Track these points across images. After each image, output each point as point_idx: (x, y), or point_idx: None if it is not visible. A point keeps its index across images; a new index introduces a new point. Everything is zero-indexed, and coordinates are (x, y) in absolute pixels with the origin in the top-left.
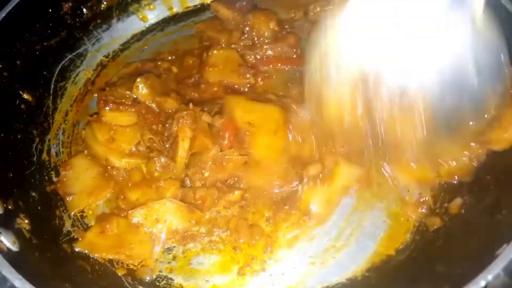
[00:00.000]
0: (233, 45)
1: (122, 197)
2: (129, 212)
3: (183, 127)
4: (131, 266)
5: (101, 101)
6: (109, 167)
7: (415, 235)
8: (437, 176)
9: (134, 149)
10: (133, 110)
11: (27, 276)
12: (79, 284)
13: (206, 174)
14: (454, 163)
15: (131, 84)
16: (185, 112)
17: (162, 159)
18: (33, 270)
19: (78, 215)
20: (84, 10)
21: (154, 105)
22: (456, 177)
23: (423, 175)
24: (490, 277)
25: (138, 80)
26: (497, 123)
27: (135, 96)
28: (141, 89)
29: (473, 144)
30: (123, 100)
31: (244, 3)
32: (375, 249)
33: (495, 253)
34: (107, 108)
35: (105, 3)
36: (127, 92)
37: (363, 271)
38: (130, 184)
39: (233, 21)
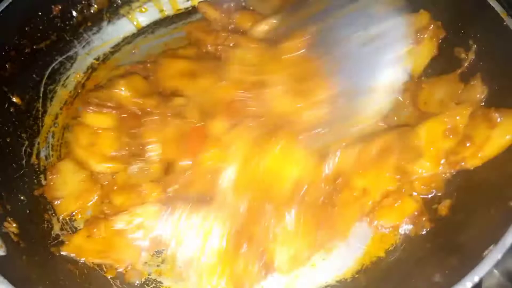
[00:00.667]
0: (219, 46)
1: (108, 201)
2: (112, 218)
3: (149, 132)
4: (120, 269)
5: (83, 103)
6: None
7: (405, 236)
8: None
9: (115, 153)
10: (113, 112)
11: (14, 280)
12: None
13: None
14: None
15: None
16: (152, 118)
17: (138, 165)
18: (20, 274)
19: (67, 218)
20: (74, 13)
21: (135, 108)
22: (432, 191)
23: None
24: (477, 278)
25: (120, 82)
26: (468, 141)
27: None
28: (123, 91)
29: (444, 162)
30: (107, 102)
31: (232, 4)
32: (365, 250)
33: (482, 254)
34: (88, 110)
35: (95, 6)
36: (114, 92)
37: (353, 272)
38: (115, 188)
39: (220, 22)
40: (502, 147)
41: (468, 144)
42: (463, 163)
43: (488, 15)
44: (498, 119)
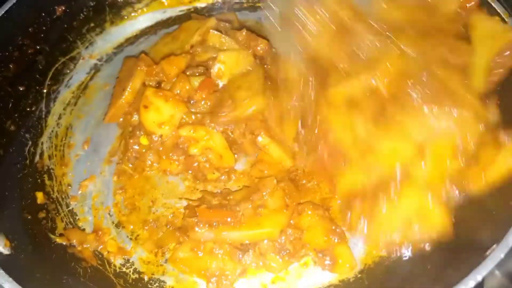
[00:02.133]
0: None
1: None
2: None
3: None
4: (124, 269)
5: None
6: None
7: None
8: None
9: None
10: None
11: (18, 279)
12: (71, 287)
13: None
14: None
15: None
16: None
17: None
18: (24, 273)
19: (70, 218)
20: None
21: None
22: None
23: None
24: (479, 277)
25: None
26: (474, 161)
27: None
28: None
29: (448, 183)
30: None
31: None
32: (368, 250)
33: (485, 254)
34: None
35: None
36: None
37: (356, 272)
38: None
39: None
40: (507, 172)
41: (473, 163)
42: (466, 182)
43: None
44: (506, 141)
